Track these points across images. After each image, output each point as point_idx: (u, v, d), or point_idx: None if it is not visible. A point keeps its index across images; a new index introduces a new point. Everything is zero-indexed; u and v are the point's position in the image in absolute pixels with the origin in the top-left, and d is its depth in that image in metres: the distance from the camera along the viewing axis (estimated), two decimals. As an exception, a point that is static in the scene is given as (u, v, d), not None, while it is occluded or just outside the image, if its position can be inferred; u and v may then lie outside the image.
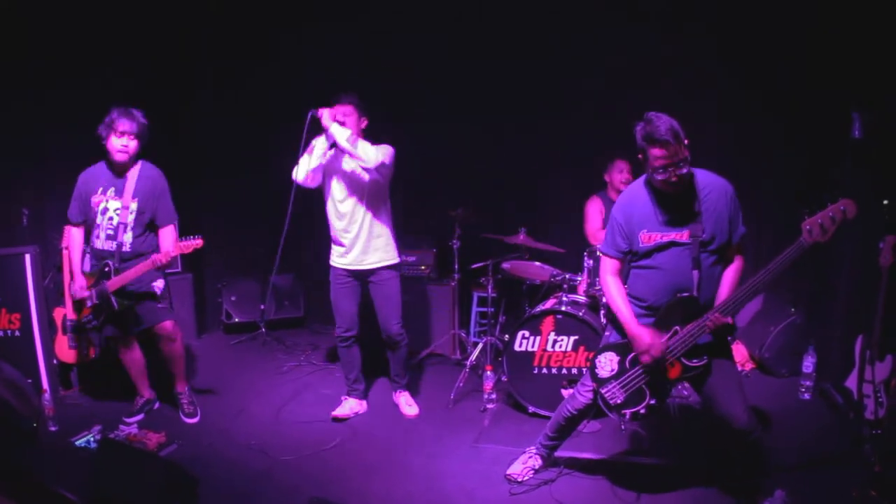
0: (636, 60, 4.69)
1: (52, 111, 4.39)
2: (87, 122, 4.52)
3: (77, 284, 3.74)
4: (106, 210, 3.64)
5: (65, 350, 4.31)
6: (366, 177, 3.69)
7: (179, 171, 4.34)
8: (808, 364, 4.09)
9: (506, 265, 4.45)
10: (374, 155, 3.56)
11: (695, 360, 2.73)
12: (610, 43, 4.73)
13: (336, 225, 3.79)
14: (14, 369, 3.81)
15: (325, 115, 3.53)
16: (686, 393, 4.00)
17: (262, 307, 5.52)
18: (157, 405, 4.08)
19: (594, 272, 4.00)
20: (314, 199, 5.55)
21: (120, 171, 3.64)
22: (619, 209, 2.84)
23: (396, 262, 3.87)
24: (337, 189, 3.75)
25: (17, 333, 4.13)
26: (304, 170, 3.65)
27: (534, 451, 3.27)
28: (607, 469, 3.27)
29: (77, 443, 3.55)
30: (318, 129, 3.61)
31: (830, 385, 3.98)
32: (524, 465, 3.25)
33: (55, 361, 4.24)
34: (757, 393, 4.04)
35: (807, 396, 4.10)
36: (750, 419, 2.74)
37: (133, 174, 3.65)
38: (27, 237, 4.28)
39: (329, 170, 3.76)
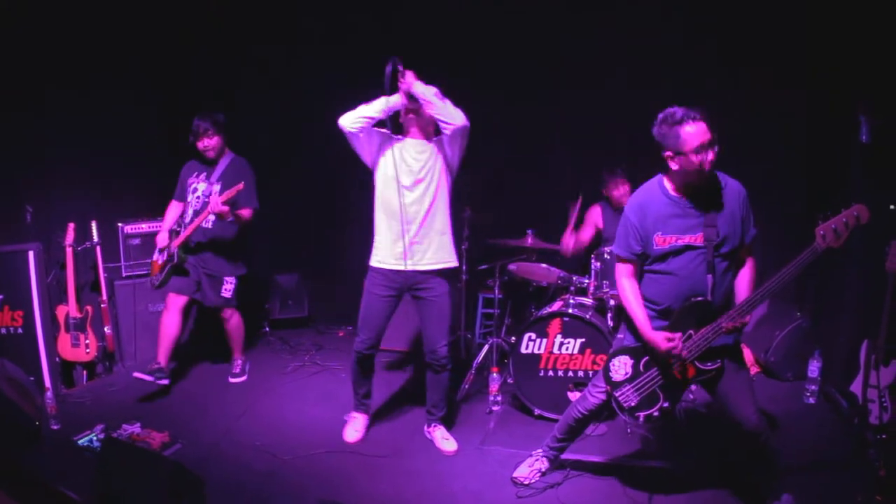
0: (636, 61, 4.70)
1: (56, 109, 4.38)
2: (87, 120, 4.53)
3: (160, 235, 4.26)
4: (195, 189, 4.22)
5: (67, 348, 4.29)
6: (438, 161, 3.35)
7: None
8: (814, 368, 4.10)
9: (512, 267, 4.44)
10: (460, 115, 3.20)
11: (709, 364, 2.73)
12: (611, 43, 4.73)
13: (393, 215, 3.33)
14: (16, 367, 3.79)
15: (408, 74, 3.19)
16: (692, 396, 4.00)
17: (267, 306, 5.50)
18: (165, 381, 4.12)
19: (601, 275, 3.99)
20: (317, 198, 5.62)
21: (211, 161, 4.22)
22: (633, 210, 2.80)
23: (456, 266, 3.48)
24: (404, 173, 3.31)
25: (19, 331, 4.12)
26: (353, 115, 3.23)
27: (540, 453, 3.27)
28: (614, 472, 3.27)
29: (80, 442, 3.53)
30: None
31: (835, 389, 3.98)
32: (530, 467, 3.24)
33: (57, 359, 4.23)
34: (762, 396, 3.99)
35: (812, 400, 4.11)
36: (760, 421, 2.75)
37: (223, 162, 4.22)
38: (31, 234, 4.25)
39: (391, 152, 3.33)
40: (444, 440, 3.62)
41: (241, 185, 3.92)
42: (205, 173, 4.23)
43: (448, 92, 5.01)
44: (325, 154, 4.55)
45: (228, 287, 4.28)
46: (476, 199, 4.81)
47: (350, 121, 3.25)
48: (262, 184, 4.25)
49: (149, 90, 5.00)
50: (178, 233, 4.21)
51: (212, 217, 4.09)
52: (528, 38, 4.96)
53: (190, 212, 4.21)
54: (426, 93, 3.18)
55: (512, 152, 5.15)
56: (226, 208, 3.94)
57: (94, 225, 4.48)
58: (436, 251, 3.37)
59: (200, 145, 4.13)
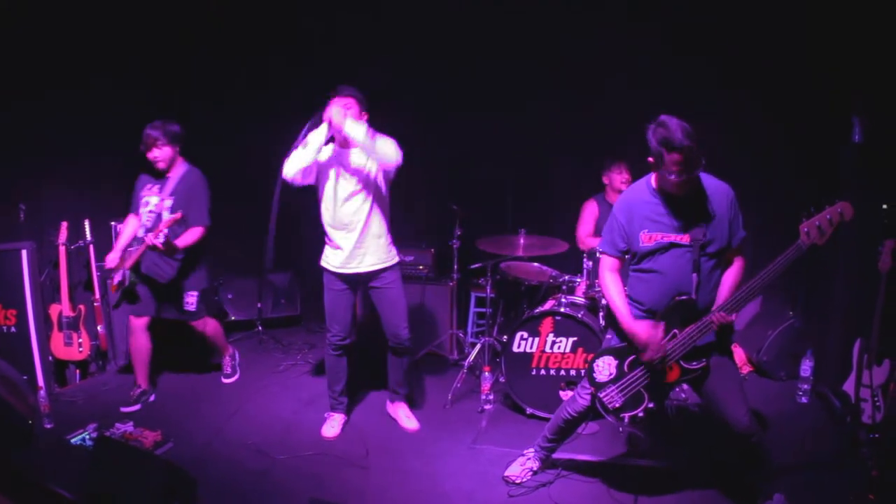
0: (635, 60, 4.69)
1: (51, 107, 4.38)
2: (85, 119, 4.53)
3: (110, 255, 3.99)
4: (147, 203, 3.97)
5: (60, 347, 4.29)
6: (374, 172, 3.46)
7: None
8: (806, 368, 4.10)
9: (504, 266, 4.44)
10: (394, 152, 3.34)
11: (694, 363, 2.73)
12: (610, 43, 4.72)
13: (334, 225, 3.52)
14: (9, 366, 3.79)
15: (335, 112, 3.26)
16: (684, 395, 4.00)
17: (259, 305, 5.51)
18: (152, 398, 4.11)
19: (593, 274, 3.99)
20: (313, 196, 5.61)
21: (162, 173, 3.97)
22: (621, 208, 2.82)
23: (397, 262, 3.66)
24: (342, 186, 3.46)
25: (12, 329, 4.13)
26: (295, 166, 3.35)
27: (532, 452, 3.27)
28: (605, 471, 3.27)
29: (73, 440, 3.53)
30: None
31: (828, 389, 3.98)
32: (522, 466, 3.25)
33: (50, 358, 4.23)
34: (754, 396, 4.00)
35: (804, 400, 4.10)
36: (751, 421, 2.74)
37: (175, 175, 3.98)
38: (24, 233, 4.26)
39: (329, 166, 3.48)
40: (406, 419, 3.82)
41: (178, 215, 3.74)
42: (158, 185, 3.98)
43: (449, 91, 5.07)
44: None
45: (191, 300, 4.07)
46: (474, 197, 4.82)
47: (295, 171, 3.36)
48: (260, 182, 4.24)
49: (149, 90, 5.01)
50: (130, 254, 3.94)
51: (163, 233, 3.79)
52: (528, 38, 4.96)
53: (141, 229, 3.97)
54: (357, 137, 3.27)
55: (511, 152, 5.14)
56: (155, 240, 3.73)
57: (86, 224, 4.49)
58: (374, 253, 3.56)
59: (150, 156, 3.89)
